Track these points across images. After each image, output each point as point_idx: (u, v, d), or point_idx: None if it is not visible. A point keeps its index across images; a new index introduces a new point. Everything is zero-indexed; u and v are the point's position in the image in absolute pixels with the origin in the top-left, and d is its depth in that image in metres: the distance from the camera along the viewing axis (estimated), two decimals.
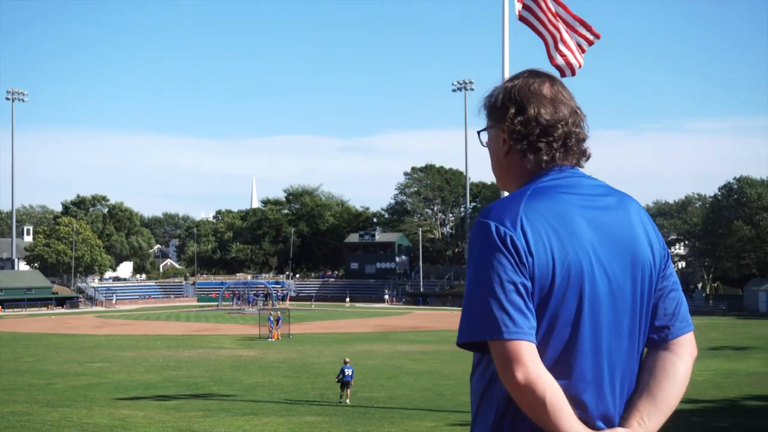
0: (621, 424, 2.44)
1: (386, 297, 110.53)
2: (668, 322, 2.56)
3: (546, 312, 2.37)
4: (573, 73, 15.09)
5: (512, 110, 2.58)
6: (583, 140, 2.62)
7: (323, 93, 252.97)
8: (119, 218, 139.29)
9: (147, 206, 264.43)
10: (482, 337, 2.34)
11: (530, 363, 2.29)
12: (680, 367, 2.53)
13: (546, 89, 2.59)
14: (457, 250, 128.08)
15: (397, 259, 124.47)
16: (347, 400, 27.86)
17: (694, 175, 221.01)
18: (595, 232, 2.44)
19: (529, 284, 2.35)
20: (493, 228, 2.37)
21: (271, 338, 55.04)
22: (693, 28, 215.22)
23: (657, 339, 2.56)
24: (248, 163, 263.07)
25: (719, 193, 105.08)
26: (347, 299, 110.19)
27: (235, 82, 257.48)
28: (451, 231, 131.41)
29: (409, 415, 25.25)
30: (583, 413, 2.38)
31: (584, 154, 2.63)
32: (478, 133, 2.74)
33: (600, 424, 2.41)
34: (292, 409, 26.60)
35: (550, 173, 2.55)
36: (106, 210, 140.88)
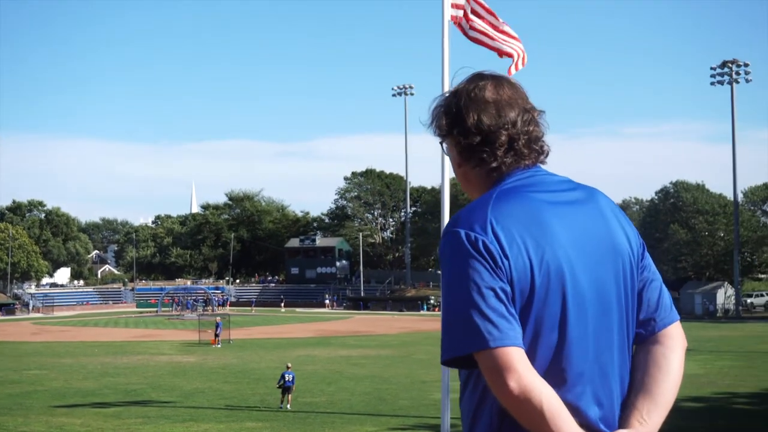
0: (621, 425, 2.35)
1: (327, 302, 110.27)
2: (652, 314, 2.48)
3: (530, 316, 2.26)
4: (520, 66, 14.59)
5: (449, 121, 2.50)
6: (538, 138, 2.51)
7: (263, 97, 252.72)
8: (56, 224, 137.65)
9: (85, 212, 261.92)
10: (467, 350, 2.21)
11: (522, 369, 2.17)
12: (672, 359, 2.47)
13: (488, 93, 2.48)
14: (397, 254, 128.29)
15: (338, 263, 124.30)
16: (288, 406, 27.82)
17: (632, 179, 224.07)
18: (568, 228, 2.35)
19: (508, 288, 2.24)
20: (463, 235, 2.27)
21: (211, 343, 54.53)
22: (626, 33, 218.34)
23: (644, 333, 2.48)
24: (188, 168, 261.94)
25: (656, 197, 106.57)
26: (282, 304, 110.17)
27: (172, 86, 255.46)
28: (391, 236, 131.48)
29: (350, 419, 25.30)
30: (582, 419, 2.26)
31: (541, 152, 2.53)
32: (441, 144, 2.62)
33: (602, 427, 2.31)
34: (233, 415, 26.50)
35: (513, 174, 2.45)
36: (42, 215, 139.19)
